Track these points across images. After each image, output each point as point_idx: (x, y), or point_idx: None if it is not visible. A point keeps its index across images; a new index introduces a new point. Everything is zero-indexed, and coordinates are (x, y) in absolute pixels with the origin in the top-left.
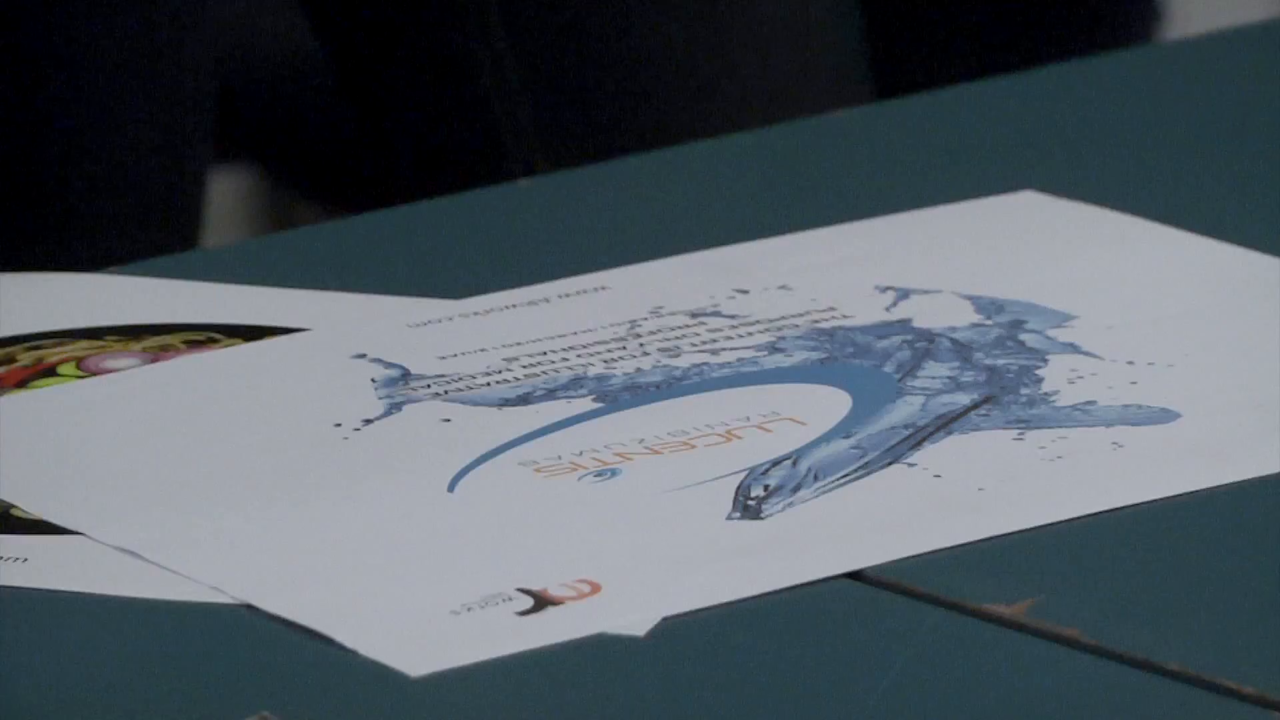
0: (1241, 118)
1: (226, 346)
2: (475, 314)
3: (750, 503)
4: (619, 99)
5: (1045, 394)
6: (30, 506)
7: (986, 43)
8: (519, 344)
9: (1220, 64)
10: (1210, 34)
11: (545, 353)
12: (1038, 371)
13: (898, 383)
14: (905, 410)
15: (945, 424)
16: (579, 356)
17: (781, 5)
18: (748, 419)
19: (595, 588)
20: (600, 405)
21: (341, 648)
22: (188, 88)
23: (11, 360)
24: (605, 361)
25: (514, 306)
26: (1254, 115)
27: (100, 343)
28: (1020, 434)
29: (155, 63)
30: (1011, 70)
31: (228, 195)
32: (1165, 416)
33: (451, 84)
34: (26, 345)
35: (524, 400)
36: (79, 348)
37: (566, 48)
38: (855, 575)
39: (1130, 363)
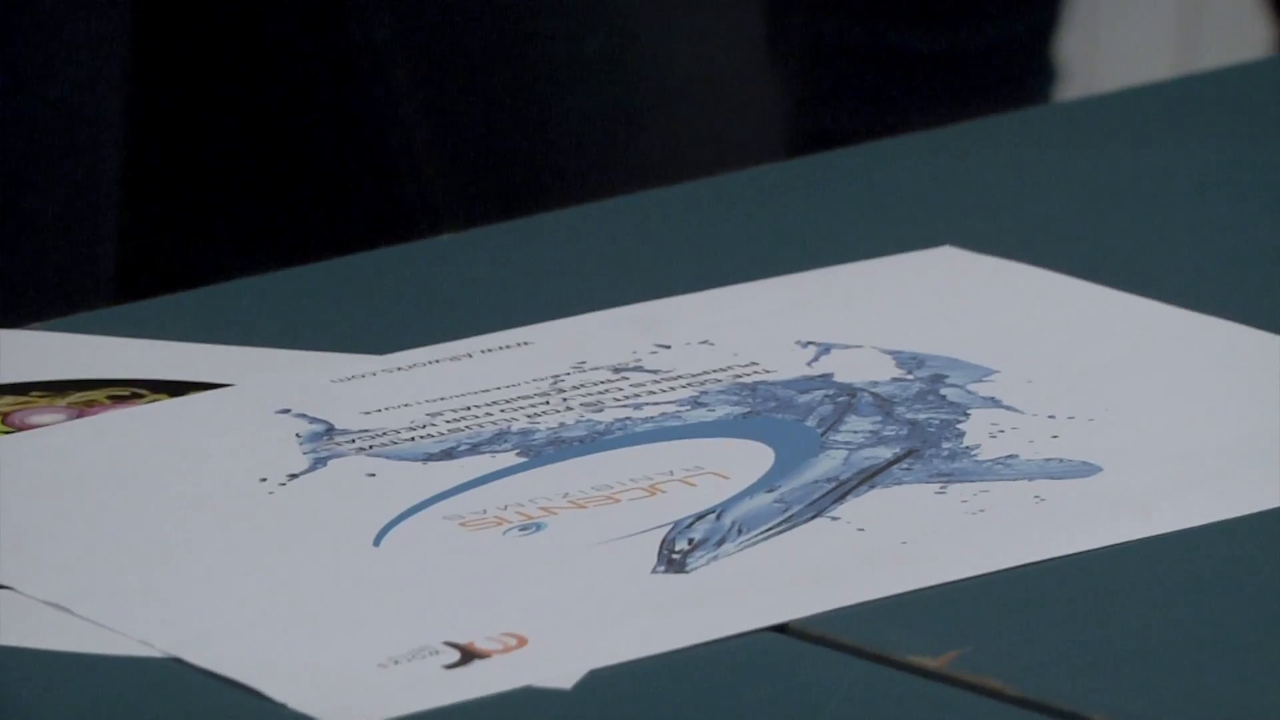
0: (1153, 173)
1: (151, 401)
2: (398, 369)
3: (675, 556)
4: (529, 159)
5: (967, 448)
6: None
7: (894, 102)
8: (442, 399)
9: (1130, 120)
10: (1119, 91)
11: (469, 408)
12: (959, 425)
13: (820, 437)
14: (828, 464)
15: (868, 478)
16: (502, 411)
17: (692, 62)
18: (671, 473)
19: (522, 641)
20: (524, 460)
21: (270, 701)
22: (97, 140)
23: None
24: (529, 416)
25: (437, 362)
26: (1165, 171)
27: (25, 398)
28: (943, 487)
29: (66, 118)
30: (917, 129)
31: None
32: (1087, 470)
33: (360, 143)
34: None
35: (448, 455)
36: (4, 403)
37: (475, 107)
38: (780, 628)
39: (1051, 417)
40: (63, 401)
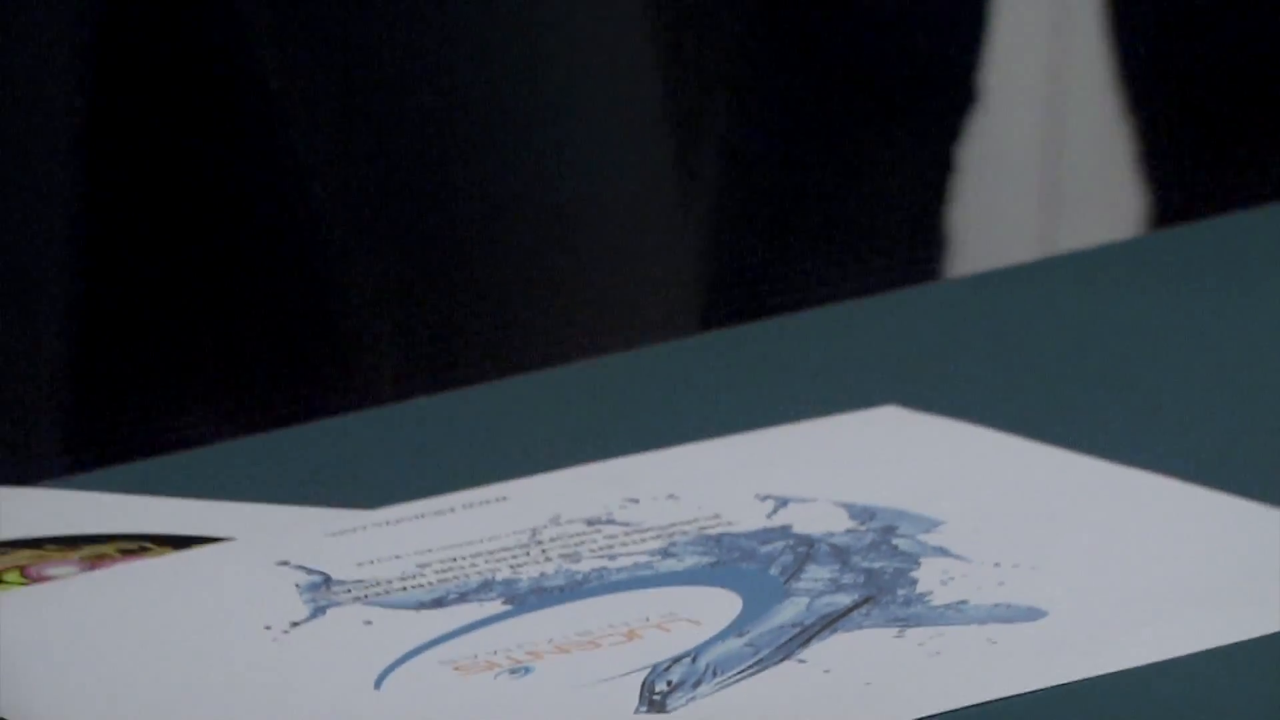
0: (1067, 336)
1: (157, 555)
2: (388, 523)
3: (655, 697)
4: (473, 327)
5: (920, 594)
6: None
7: (803, 275)
8: (430, 550)
9: (1036, 292)
10: (1021, 265)
11: (455, 559)
12: (912, 574)
13: (783, 585)
14: (792, 610)
15: (830, 623)
16: (486, 562)
17: (620, 233)
18: (647, 619)
19: None
20: (509, 607)
21: None
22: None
23: None
24: (511, 566)
25: (423, 516)
26: (1078, 334)
27: (40, 551)
28: (900, 632)
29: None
30: (825, 302)
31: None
32: (1033, 614)
33: (310, 307)
34: None
35: (439, 603)
36: (21, 557)
37: (423, 277)
38: None
39: (997, 564)
40: (75, 555)
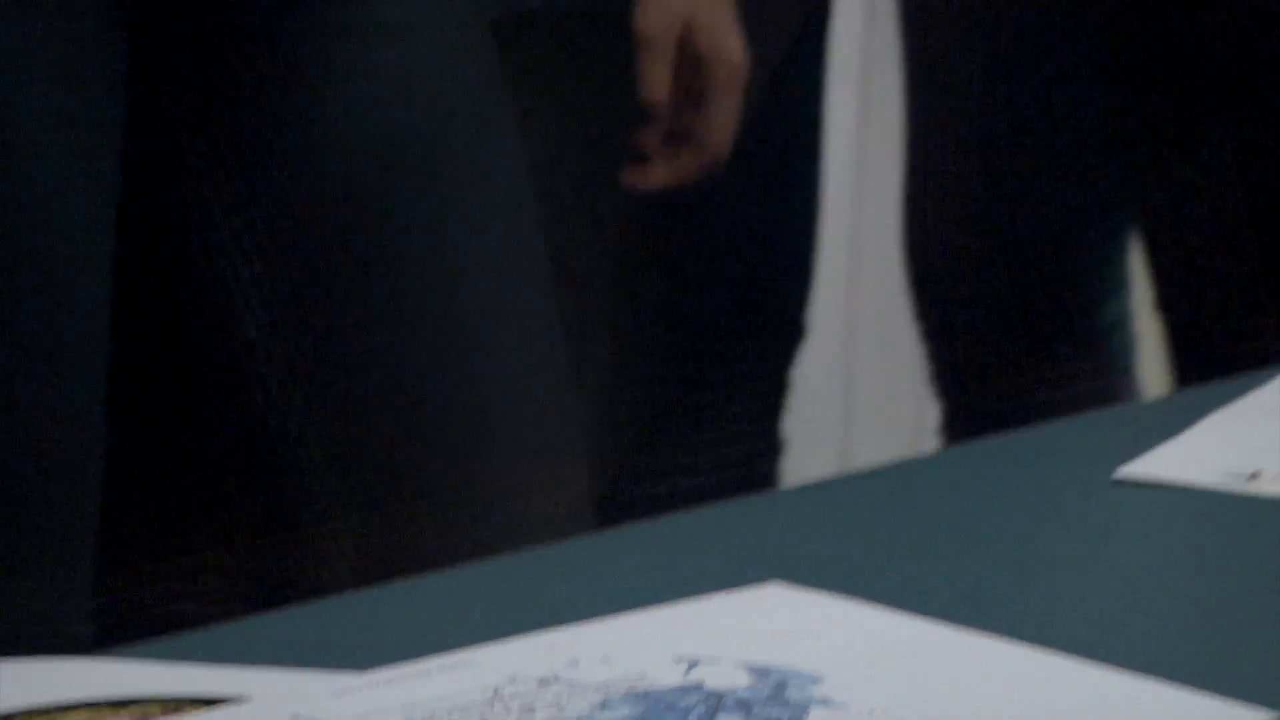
0: (920, 530)
1: (193, 712)
2: (379, 684)
3: None
4: (413, 532)
5: None
6: None
7: (672, 479)
8: (415, 705)
9: (848, 500)
10: (860, 471)
11: (434, 713)
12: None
13: None
14: None
15: None
16: (460, 714)
17: (525, 452)
18: None
19: None
20: None
21: None
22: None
23: None
24: (480, 717)
25: (407, 677)
26: (929, 532)
27: (96, 711)
28: None
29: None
30: (692, 502)
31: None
32: None
33: (284, 515)
34: (40, 716)
35: None
36: (80, 715)
37: (371, 499)
38: None
39: (871, 711)
40: (125, 713)
